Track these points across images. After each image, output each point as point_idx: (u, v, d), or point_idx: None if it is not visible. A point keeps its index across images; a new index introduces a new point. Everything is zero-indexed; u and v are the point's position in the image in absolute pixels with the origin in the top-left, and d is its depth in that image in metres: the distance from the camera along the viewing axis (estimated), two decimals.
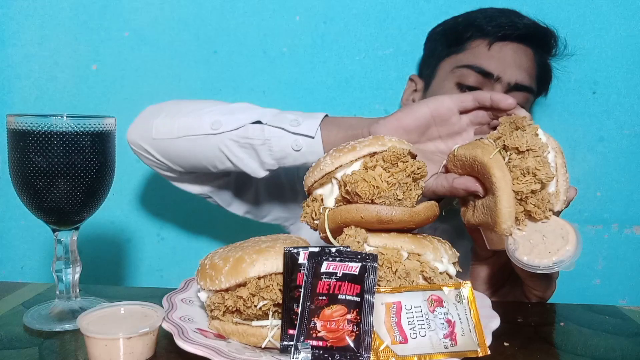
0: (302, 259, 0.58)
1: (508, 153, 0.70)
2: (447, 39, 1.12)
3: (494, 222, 0.69)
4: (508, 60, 1.02)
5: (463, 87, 1.04)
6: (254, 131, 0.88)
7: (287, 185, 1.13)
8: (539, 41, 1.08)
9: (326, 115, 0.89)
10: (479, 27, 1.07)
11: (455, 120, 0.80)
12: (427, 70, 1.16)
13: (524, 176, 0.67)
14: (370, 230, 0.66)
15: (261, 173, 0.92)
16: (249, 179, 0.94)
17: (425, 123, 0.79)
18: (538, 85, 1.09)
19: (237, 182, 1.09)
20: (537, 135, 0.70)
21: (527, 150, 0.68)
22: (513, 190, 0.68)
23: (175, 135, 0.93)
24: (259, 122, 0.89)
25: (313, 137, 0.86)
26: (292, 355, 0.54)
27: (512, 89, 1.01)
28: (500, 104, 0.76)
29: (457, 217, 1.12)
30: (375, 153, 0.67)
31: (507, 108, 0.75)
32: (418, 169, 0.67)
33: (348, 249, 0.60)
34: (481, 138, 0.74)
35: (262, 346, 0.59)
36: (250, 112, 0.90)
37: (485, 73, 1.01)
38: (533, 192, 0.68)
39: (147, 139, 0.96)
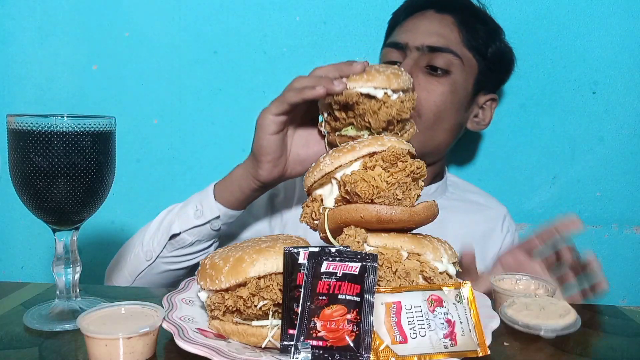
0: (302, 258, 0.58)
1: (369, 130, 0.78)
2: (385, 39, 1.20)
3: None
4: (419, 28, 1.07)
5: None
6: (177, 243, 0.95)
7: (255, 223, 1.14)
8: (456, 6, 1.11)
9: (215, 185, 0.95)
10: (397, 14, 1.16)
11: (293, 117, 0.85)
12: None
13: (394, 125, 0.78)
14: (370, 230, 0.66)
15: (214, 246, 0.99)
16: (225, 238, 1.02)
17: (281, 144, 0.84)
18: (475, 53, 1.10)
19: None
20: (364, 96, 0.75)
21: (380, 130, 0.77)
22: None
23: (131, 281, 0.99)
24: (174, 234, 0.95)
25: (219, 216, 0.93)
26: (292, 355, 0.54)
27: (427, 51, 1.05)
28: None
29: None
30: (374, 153, 0.67)
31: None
32: (417, 168, 0.67)
33: (348, 249, 0.60)
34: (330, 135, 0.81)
35: (262, 346, 0.59)
36: (163, 228, 0.96)
37: (397, 45, 1.07)
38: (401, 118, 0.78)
39: None
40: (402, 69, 0.79)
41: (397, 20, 1.15)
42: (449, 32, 1.07)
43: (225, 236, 1.05)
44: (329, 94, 0.76)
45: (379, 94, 0.76)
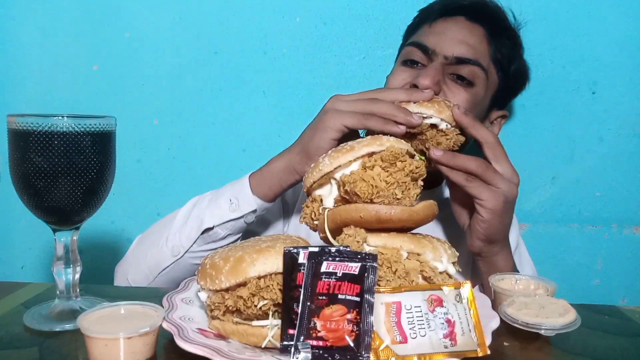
0: (302, 258, 0.59)
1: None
2: (406, 33, 1.16)
3: None
4: (448, 34, 1.02)
5: (407, 63, 1.03)
6: (209, 237, 0.93)
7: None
8: (487, 17, 1.06)
9: (251, 175, 0.93)
10: (427, 11, 1.11)
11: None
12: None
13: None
14: (370, 230, 0.66)
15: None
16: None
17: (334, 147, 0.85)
18: (499, 68, 1.06)
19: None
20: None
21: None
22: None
23: (152, 278, 0.97)
24: (207, 228, 0.93)
25: (256, 210, 0.92)
26: (292, 355, 0.54)
27: (454, 62, 0.99)
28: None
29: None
30: (373, 153, 0.67)
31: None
32: (416, 168, 0.67)
33: (348, 249, 0.60)
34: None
35: (262, 346, 0.59)
36: (193, 222, 0.94)
37: (423, 47, 1.01)
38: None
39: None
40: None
41: (426, 19, 1.09)
42: (478, 43, 1.03)
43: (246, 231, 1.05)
44: (407, 126, 0.82)
45: (443, 125, 0.85)
